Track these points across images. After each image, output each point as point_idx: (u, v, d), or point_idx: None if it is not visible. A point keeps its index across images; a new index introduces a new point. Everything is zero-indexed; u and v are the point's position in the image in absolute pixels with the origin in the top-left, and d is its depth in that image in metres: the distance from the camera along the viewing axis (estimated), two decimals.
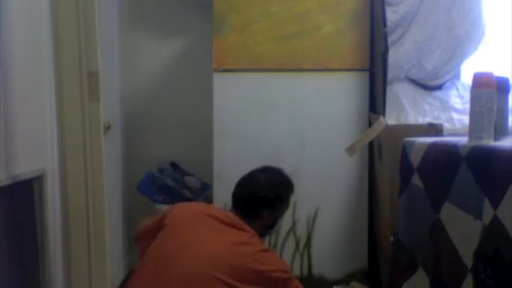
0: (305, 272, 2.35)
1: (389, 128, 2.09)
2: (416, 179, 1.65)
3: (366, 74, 2.32)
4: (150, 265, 1.63)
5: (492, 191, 1.27)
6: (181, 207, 1.84)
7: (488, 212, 1.27)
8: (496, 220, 1.24)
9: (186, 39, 2.83)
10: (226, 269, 1.57)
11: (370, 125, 2.26)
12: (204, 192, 2.65)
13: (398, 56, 2.34)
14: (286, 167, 2.31)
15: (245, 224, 1.74)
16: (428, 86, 2.44)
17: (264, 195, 1.82)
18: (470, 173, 1.37)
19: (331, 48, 2.31)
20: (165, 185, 2.63)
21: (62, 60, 1.73)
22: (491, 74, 1.42)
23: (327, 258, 2.35)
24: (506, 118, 1.53)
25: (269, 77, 2.33)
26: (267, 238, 2.33)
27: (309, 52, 2.32)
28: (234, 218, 1.75)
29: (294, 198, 2.32)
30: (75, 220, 1.88)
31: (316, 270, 2.36)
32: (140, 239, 1.81)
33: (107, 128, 2.39)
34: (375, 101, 2.29)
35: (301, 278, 2.34)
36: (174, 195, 2.60)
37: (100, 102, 1.89)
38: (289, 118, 2.33)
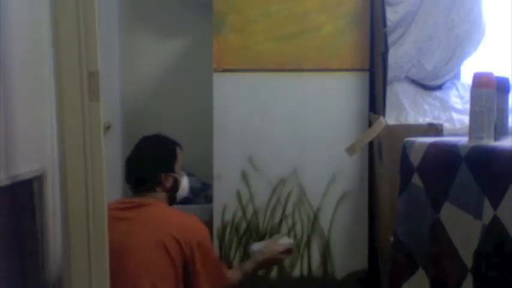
0: (305, 272, 2.35)
1: (389, 128, 2.09)
2: (416, 179, 1.65)
3: (366, 74, 2.32)
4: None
5: (492, 191, 1.27)
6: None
7: (488, 212, 1.27)
8: (496, 220, 1.24)
9: (186, 39, 2.83)
10: (159, 248, 1.66)
11: (370, 125, 2.26)
12: (204, 192, 2.65)
13: (398, 56, 2.34)
14: (286, 167, 2.33)
15: (147, 198, 1.80)
16: (428, 86, 2.44)
17: (147, 162, 1.85)
18: (470, 173, 1.37)
19: (331, 48, 2.31)
20: None
21: (61, 60, 1.73)
22: (491, 74, 1.42)
23: (327, 259, 2.35)
24: (506, 118, 1.53)
25: (269, 77, 2.33)
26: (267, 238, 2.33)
27: (309, 52, 2.32)
28: (135, 200, 1.81)
29: (294, 198, 2.34)
30: (75, 220, 1.88)
31: (316, 270, 2.35)
32: None
33: (107, 128, 2.39)
34: (375, 101, 2.29)
35: (302, 278, 2.34)
36: None
37: (100, 102, 1.89)
38: (289, 118, 2.33)
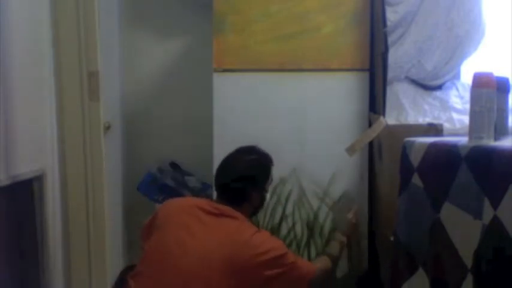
0: None
1: (389, 128, 2.09)
2: (416, 179, 1.65)
3: (366, 74, 2.32)
4: (147, 268, 1.65)
5: (492, 191, 1.27)
6: (170, 204, 1.87)
7: (488, 212, 1.27)
8: (496, 220, 1.24)
9: (186, 39, 2.83)
10: (222, 263, 1.60)
11: (370, 125, 2.26)
12: (204, 192, 2.65)
13: (398, 56, 2.34)
14: (286, 167, 2.33)
15: (234, 210, 1.77)
16: (428, 86, 2.44)
17: (245, 177, 1.83)
18: (470, 173, 1.37)
19: (331, 48, 2.30)
20: (165, 185, 2.63)
21: (62, 60, 1.73)
22: (491, 74, 1.42)
23: None
24: (506, 118, 1.53)
25: (269, 77, 2.33)
26: None
27: (309, 52, 2.31)
28: (222, 207, 1.77)
29: (294, 198, 2.34)
30: (75, 220, 1.88)
31: None
32: (141, 238, 1.83)
33: (107, 128, 2.39)
34: (375, 101, 2.29)
35: None
36: (174, 195, 2.60)
37: (100, 102, 1.89)
38: (289, 118, 2.33)
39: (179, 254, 1.64)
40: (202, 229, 1.70)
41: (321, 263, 1.92)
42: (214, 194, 1.91)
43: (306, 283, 1.77)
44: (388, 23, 2.23)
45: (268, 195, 1.94)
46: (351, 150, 2.20)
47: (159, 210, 1.81)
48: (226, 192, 1.83)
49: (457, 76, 2.48)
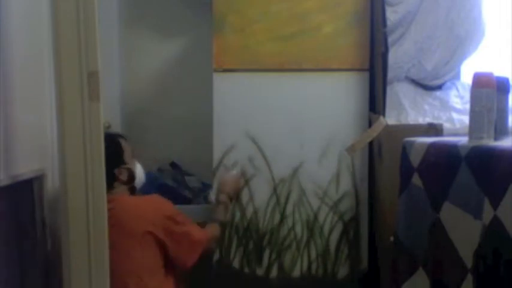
0: (305, 272, 2.35)
1: (389, 128, 2.09)
2: (416, 179, 1.65)
3: (366, 74, 2.31)
4: None
5: (492, 190, 1.27)
6: None
7: (488, 212, 1.27)
8: (496, 220, 1.25)
9: (186, 39, 2.83)
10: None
11: (370, 125, 2.26)
12: (204, 192, 2.65)
13: (398, 56, 2.34)
14: (286, 167, 2.33)
15: (110, 195, 1.83)
16: (428, 86, 2.44)
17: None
18: (470, 173, 1.37)
19: (331, 48, 2.30)
20: (165, 185, 2.63)
21: (61, 60, 1.73)
22: (491, 74, 1.42)
23: (327, 259, 2.35)
24: (506, 118, 1.53)
25: (269, 77, 2.33)
26: (269, 240, 2.33)
27: (309, 52, 2.31)
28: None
29: (294, 198, 2.34)
30: (75, 220, 1.88)
31: (316, 270, 2.35)
32: None
33: (107, 128, 2.39)
34: (375, 101, 2.29)
35: (302, 278, 2.34)
36: (174, 195, 2.59)
37: (100, 102, 1.89)
38: (289, 118, 2.33)
39: None
40: None
41: (212, 231, 2.06)
42: None
43: (200, 249, 1.92)
44: (388, 23, 2.23)
45: (138, 168, 2.01)
46: (351, 150, 2.20)
47: None
48: None
49: (457, 76, 2.48)
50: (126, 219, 1.83)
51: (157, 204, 1.92)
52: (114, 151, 1.94)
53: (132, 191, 2.00)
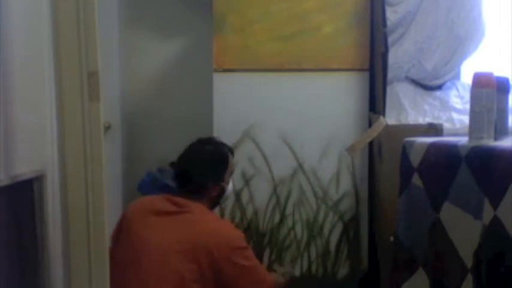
0: (305, 272, 2.35)
1: (389, 128, 2.09)
2: (416, 179, 1.65)
3: (366, 74, 2.32)
4: (113, 274, 1.68)
5: (492, 190, 1.27)
6: (133, 208, 1.87)
7: (488, 212, 1.27)
8: (496, 220, 1.24)
9: (186, 39, 2.83)
10: (182, 254, 1.65)
11: (370, 125, 2.26)
12: None
13: (398, 56, 2.34)
14: (286, 167, 2.33)
15: (193, 202, 1.79)
16: (428, 86, 2.44)
17: (202, 167, 1.84)
18: (470, 173, 1.37)
19: (331, 48, 2.30)
20: (165, 185, 2.62)
21: (61, 60, 1.73)
22: (491, 74, 1.42)
23: (327, 259, 2.35)
24: (506, 118, 1.53)
25: (269, 77, 2.33)
26: (269, 240, 2.33)
27: (309, 52, 2.31)
28: (181, 201, 1.79)
29: (294, 198, 2.34)
30: (75, 220, 1.88)
31: (316, 270, 2.36)
32: (111, 243, 1.84)
33: (107, 128, 2.39)
34: (375, 101, 2.29)
35: (302, 278, 2.34)
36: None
37: (100, 102, 1.89)
38: (289, 118, 2.33)
39: (138, 261, 1.67)
40: (159, 233, 1.72)
41: (278, 278, 1.92)
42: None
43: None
44: (388, 23, 2.23)
45: (229, 186, 1.93)
46: (351, 150, 2.20)
47: (123, 216, 1.84)
48: (185, 184, 1.85)
49: (457, 76, 2.48)
50: (189, 230, 1.73)
51: (229, 232, 1.81)
52: (219, 165, 1.88)
53: (213, 206, 1.91)
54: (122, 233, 1.80)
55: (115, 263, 1.72)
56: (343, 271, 2.34)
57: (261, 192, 2.35)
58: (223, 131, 2.33)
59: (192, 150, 1.90)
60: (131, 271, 1.68)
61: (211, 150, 1.89)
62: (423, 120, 2.22)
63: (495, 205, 1.25)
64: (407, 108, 2.31)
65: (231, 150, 1.94)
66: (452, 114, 2.26)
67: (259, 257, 2.34)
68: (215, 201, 1.90)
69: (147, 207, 1.82)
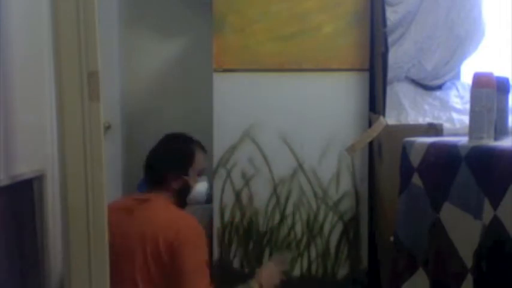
0: (305, 272, 2.35)
1: (389, 128, 2.09)
2: (416, 179, 1.65)
3: (366, 74, 2.32)
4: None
5: (492, 191, 1.27)
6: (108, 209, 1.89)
7: (488, 212, 1.27)
8: (496, 220, 1.24)
9: (186, 39, 2.83)
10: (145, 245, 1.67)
11: (370, 125, 2.26)
12: None
13: (398, 56, 2.34)
14: (286, 167, 2.33)
15: (155, 194, 1.80)
16: (428, 86, 2.44)
17: (162, 156, 1.86)
18: (470, 173, 1.37)
19: (331, 48, 2.30)
20: None
21: (61, 60, 1.73)
22: (491, 74, 1.42)
23: (327, 259, 2.35)
24: (506, 118, 1.53)
25: (269, 77, 2.33)
26: (269, 240, 2.33)
27: (309, 52, 2.31)
28: (144, 196, 1.82)
29: (294, 198, 2.34)
30: (75, 220, 1.88)
31: (316, 270, 2.35)
32: None
33: (107, 128, 2.40)
34: (375, 101, 2.29)
35: (302, 278, 2.34)
36: None
37: (100, 102, 1.89)
38: (289, 118, 2.33)
39: (113, 262, 1.65)
40: (127, 220, 1.74)
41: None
42: None
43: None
44: (388, 23, 2.23)
45: (199, 185, 1.90)
46: (351, 150, 2.20)
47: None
48: (147, 176, 1.87)
49: (457, 76, 2.48)
50: (144, 220, 1.72)
51: (188, 223, 1.74)
52: (181, 157, 1.86)
53: (180, 203, 1.86)
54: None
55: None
56: (343, 271, 2.34)
57: (261, 192, 2.35)
58: (223, 131, 2.33)
59: (158, 143, 1.94)
60: (111, 273, 1.68)
61: (175, 143, 1.91)
62: (423, 120, 2.22)
63: (495, 205, 1.25)
64: (407, 108, 2.31)
65: (201, 147, 1.92)
66: (452, 114, 2.26)
67: (260, 256, 2.35)
68: (180, 197, 1.86)
69: (115, 207, 1.82)
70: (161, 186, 1.83)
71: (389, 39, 2.22)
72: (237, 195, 2.35)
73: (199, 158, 1.90)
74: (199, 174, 1.91)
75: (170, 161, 1.86)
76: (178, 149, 1.89)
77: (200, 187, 1.92)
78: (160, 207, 1.79)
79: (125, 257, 1.69)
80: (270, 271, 1.95)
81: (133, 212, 1.77)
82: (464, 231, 1.39)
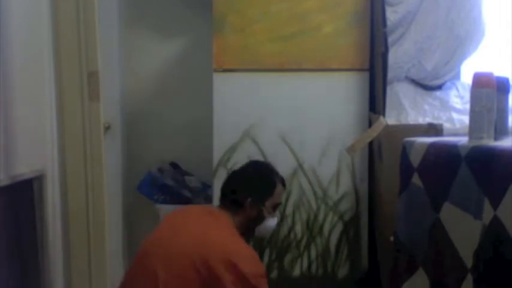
0: (305, 272, 2.35)
1: (389, 128, 2.09)
2: (416, 179, 1.65)
3: (366, 74, 2.32)
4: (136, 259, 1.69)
5: (492, 191, 1.27)
6: (173, 213, 1.88)
7: (488, 212, 1.27)
8: (496, 220, 1.25)
9: (186, 39, 2.83)
10: (198, 255, 1.58)
11: (370, 125, 2.26)
12: (204, 192, 2.65)
13: (398, 56, 2.34)
14: (286, 167, 2.33)
15: (224, 213, 1.76)
16: (428, 86, 2.44)
17: (244, 181, 1.83)
18: (470, 173, 1.37)
19: (331, 48, 2.30)
20: (165, 185, 2.63)
21: (61, 60, 1.73)
22: (491, 74, 1.42)
23: (327, 259, 2.35)
24: (506, 118, 1.53)
25: (269, 76, 2.33)
26: (269, 240, 2.33)
27: (309, 52, 2.31)
28: (213, 210, 1.80)
29: (293, 198, 2.34)
30: (75, 220, 1.88)
31: (316, 270, 2.36)
32: None
33: (107, 128, 2.39)
34: (375, 101, 2.29)
35: (302, 278, 2.34)
36: (174, 195, 2.60)
37: (100, 102, 1.89)
38: (289, 118, 2.33)
39: (150, 252, 1.66)
40: (182, 228, 1.70)
41: None
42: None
43: None
44: (388, 23, 2.23)
45: (272, 220, 1.84)
46: (351, 150, 2.20)
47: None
48: (224, 199, 1.83)
49: (457, 76, 2.48)
50: (199, 236, 1.64)
51: (244, 255, 1.63)
52: (264, 185, 1.82)
53: (246, 232, 1.78)
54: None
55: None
56: (343, 271, 2.34)
57: None
58: (223, 131, 2.33)
59: (244, 166, 1.92)
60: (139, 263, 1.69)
61: (261, 170, 1.89)
62: (423, 120, 2.22)
63: (495, 205, 1.25)
64: (407, 108, 2.31)
65: (283, 182, 1.89)
66: (452, 114, 2.26)
67: (259, 256, 2.34)
68: (249, 226, 1.80)
69: (186, 212, 1.86)
70: (235, 207, 1.77)
71: (390, 39, 2.22)
72: None
73: (278, 191, 1.86)
74: (274, 208, 1.86)
75: (253, 186, 1.81)
76: (264, 176, 1.85)
77: (271, 222, 1.85)
78: (218, 229, 1.70)
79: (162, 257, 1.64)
80: None
81: (200, 217, 1.74)
82: (464, 231, 1.39)
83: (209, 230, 1.68)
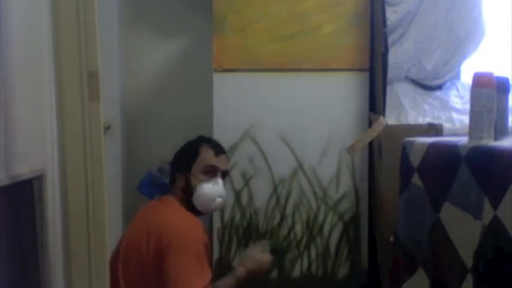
0: (305, 272, 2.35)
1: (389, 128, 2.09)
2: (416, 179, 1.65)
3: (366, 74, 2.32)
4: None
5: (492, 190, 1.27)
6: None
7: (488, 212, 1.27)
8: (496, 220, 1.25)
9: (186, 39, 2.83)
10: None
11: (370, 125, 2.26)
12: None
13: (398, 56, 2.34)
14: (286, 167, 2.33)
15: (168, 196, 1.84)
16: (428, 86, 2.44)
17: (172, 160, 1.90)
18: (470, 173, 1.37)
19: (331, 48, 2.30)
20: (165, 185, 2.62)
21: (62, 60, 1.73)
22: (491, 74, 1.42)
23: (327, 259, 2.35)
24: (506, 118, 1.53)
25: (269, 77, 2.33)
26: (268, 239, 2.32)
27: (309, 52, 2.31)
28: (165, 197, 1.88)
29: (294, 198, 2.34)
30: (75, 220, 1.88)
31: (316, 270, 2.35)
32: None
33: (107, 128, 2.39)
34: (375, 101, 2.29)
35: (302, 278, 2.34)
36: None
37: (100, 102, 1.89)
38: (289, 118, 2.33)
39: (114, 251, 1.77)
40: (134, 220, 1.83)
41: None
42: None
43: None
44: (388, 23, 2.23)
45: (204, 186, 1.79)
46: (351, 150, 2.20)
47: None
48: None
49: (457, 76, 2.48)
50: (146, 219, 1.77)
51: (188, 228, 1.69)
52: (185, 153, 1.87)
53: (188, 206, 1.79)
54: None
55: None
56: (343, 271, 2.34)
57: (261, 192, 2.35)
58: (223, 131, 2.33)
59: None
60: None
61: (185, 143, 1.93)
62: (423, 120, 2.22)
63: (495, 205, 1.25)
64: (407, 108, 2.31)
65: (212, 146, 1.85)
66: (452, 114, 2.26)
67: None
68: (184, 196, 1.79)
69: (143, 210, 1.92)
70: (172, 186, 1.83)
71: (390, 39, 2.22)
72: (237, 195, 2.35)
73: (205, 154, 1.83)
74: (206, 173, 1.81)
75: (176, 160, 1.88)
76: (184, 147, 1.91)
77: (204, 188, 1.78)
78: (161, 208, 1.81)
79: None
80: (252, 256, 1.83)
81: (150, 211, 1.82)
82: (464, 231, 1.39)
83: (156, 213, 1.77)
